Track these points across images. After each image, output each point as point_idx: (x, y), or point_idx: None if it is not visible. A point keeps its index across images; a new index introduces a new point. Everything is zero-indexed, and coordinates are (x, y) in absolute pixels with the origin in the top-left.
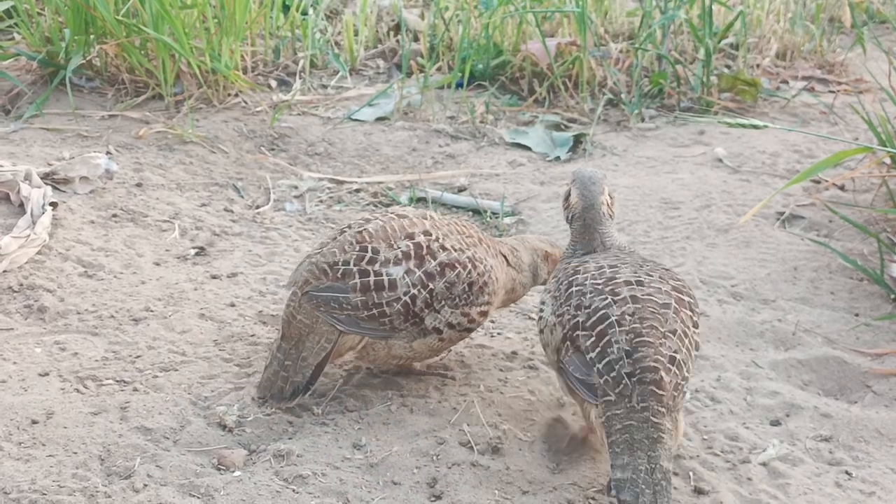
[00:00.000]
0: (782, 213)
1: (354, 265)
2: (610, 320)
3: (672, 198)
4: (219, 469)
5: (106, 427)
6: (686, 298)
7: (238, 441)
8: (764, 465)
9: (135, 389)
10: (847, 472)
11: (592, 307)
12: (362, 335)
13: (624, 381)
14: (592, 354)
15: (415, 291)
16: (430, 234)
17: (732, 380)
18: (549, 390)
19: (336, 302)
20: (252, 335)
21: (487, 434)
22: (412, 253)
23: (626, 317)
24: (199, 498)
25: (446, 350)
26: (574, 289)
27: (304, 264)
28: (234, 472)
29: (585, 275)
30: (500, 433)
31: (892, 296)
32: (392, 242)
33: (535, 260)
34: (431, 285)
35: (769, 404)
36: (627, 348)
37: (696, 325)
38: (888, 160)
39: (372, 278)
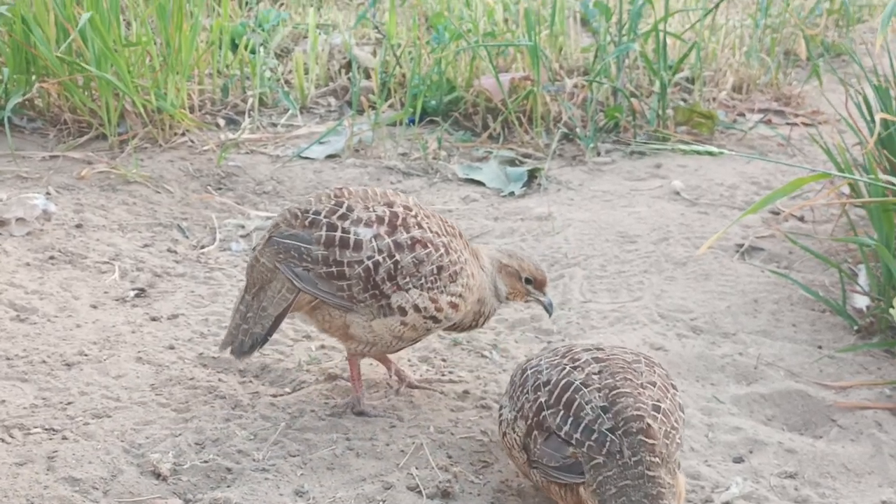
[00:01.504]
0: (741, 245)
1: (325, 217)
2: (575, 384)
3: (629, 231)
4: None
5: (31, 478)
6: (656, 362)
7: (173, 490)
8: None
9: (64, 438)
10: None
11: (553, 381)
12: (316, 297)
13: (609, 438)
14: (566, 427)
15: (379, 258)
16: (410, 210)
17: (693, 416)
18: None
19: (297, 251)
20: (191, 378)
21: (437, 477)
22: (386, 219)
23: (593, 377)
24: None
25: (410, 343)
26: (529, 372)
27: (281, 211)
28: None
29: (538, 358)
30: (451, 476)
31: (855, 327)
32: (369, 205)
33: (493, 271)
34: (398, 256)
35: (732, 440)
36: (603, 404)
37: (674, 388)
38: (847, 189)
39: (338, 234)
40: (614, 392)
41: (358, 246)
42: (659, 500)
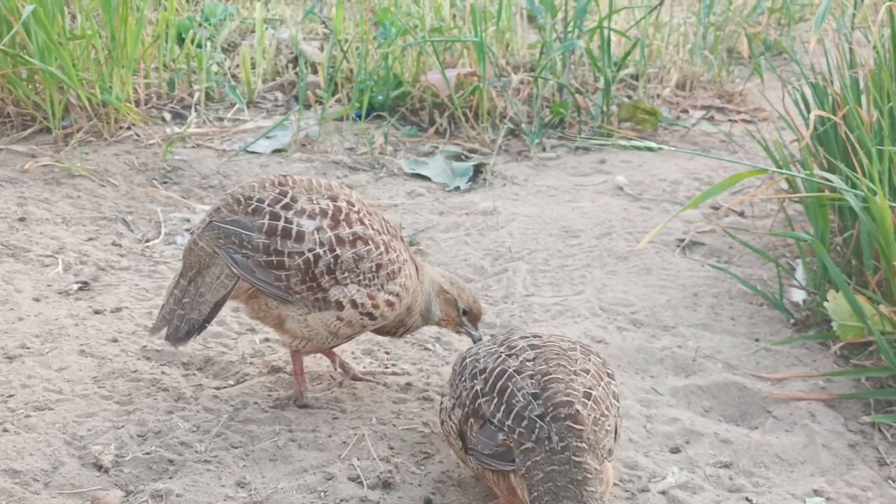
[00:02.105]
0: (682, 240)
1: (269, 205)
2: (508, 372)
3: (572, 226)
4: None
5: None
6: (593, 350)
7: (114, 482)
8: (663, 493)
9: (5, 430)
10: (747, 499)
11: (489, 369)
12: (254, 286)
13: (538, 425)
14: (499, 415)
15: (320, 251)
16: (354, 206)
17: (632, 407)
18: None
19: (237, 237)
20: (134, 371)
21: (378, 468)
22: (330, 213)
23: (527, 363)
24: None
25: (345, 339)
26: (468, 360)
27: (223, 195)
28: None
29: (479, 346)
30: (392, 467)
31: (792, 320)
32: (313, 196)
33: (431, 291)
34: (339, 251)
35: (669, 431)
36: (534, 391)
37: (611, 377)
38: (785, 185)
39: (281, 223)
40: (546, 378)
41: (300, 237)
42: (584, 485)
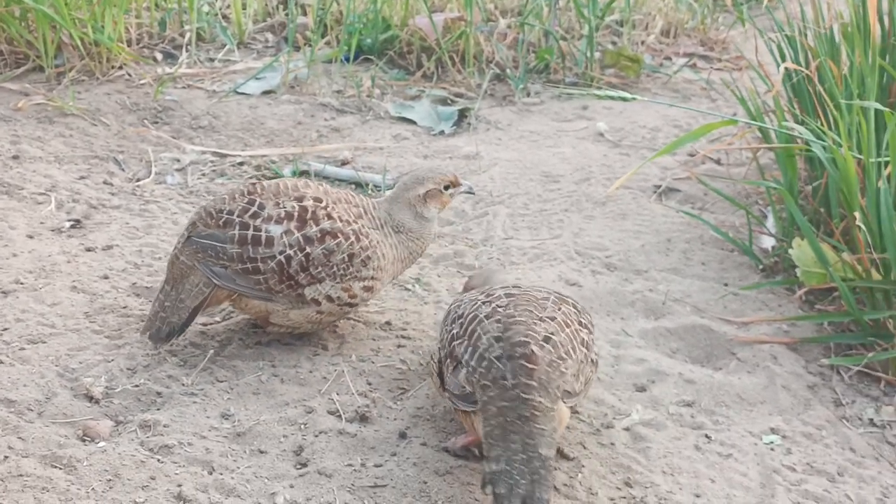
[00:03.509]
0: (659, 187)
1: (238, 216)
2: (479, 317)
3: (553, 171)
4: (83, 440)
5: None
6: (570, 301)
7: (105, 412)
8: (627, 429)
9: (0, 362)
10: (707, 436)
11: (465, 314)
12: (236, 292)
13: (495, 365)
14: (466, 356)
15: (290, 252)
16: (321, 202)
17: (602, 348)
18: (419, 359)
19: (213, 250)
20: (124, 307)
21: (356, 402)
22: (296, 215)
23: (498, 309)
24: (61, 469)
25: (326, 326)
26: (453, 306)
27: (198, 209)
28: (98, 442)
29: (463, 297)
30: (370, 402)
31: (760, 266)
32: (280, 201)
33: (418, 209)
34: (308, 249)
35: (636, 371)
36: (497, 334)
37: (583, 326)
38: (760, 134)
39: (250, 232)
40: (510, 321)
41: (269, 242)
42: (531, 421)
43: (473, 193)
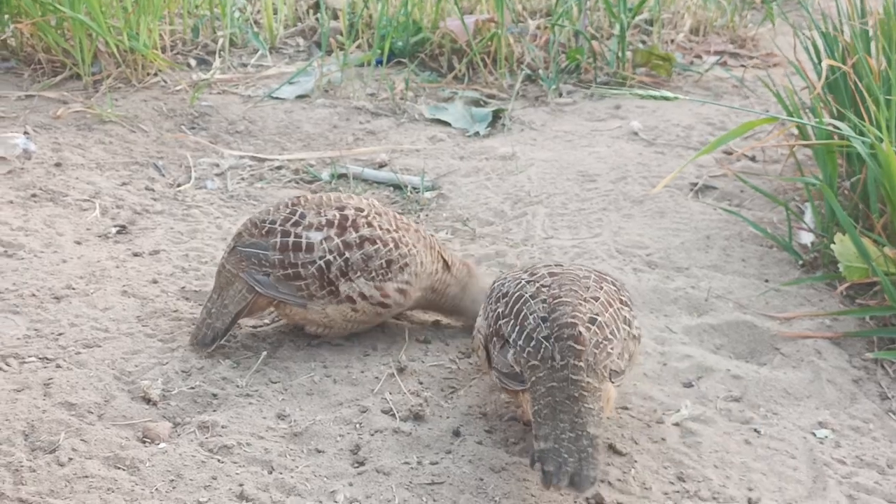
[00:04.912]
0: (696, 184)
1: (279, 225)
2: (525, 297)
3: (589, 170)
4: (144, 442)
5: (29, 403)
6: (609, 278)
7: (163, 414)
8: (677, 424)
9: (58, 366)
10: (756, 430)
11: (510, 293)
12: (279, 300)
13: (544, 345)
14: (514, 335)
15: (330, 257)
16: (362, 211)
17: (647, 345)
18: (467, 360)
19: (256, 258)
20: (175, 311)
21: (409, 402)
22: (336, 222)
23: (543, 289)
24: (124, 470)
25: (365, 326)
26: (496, 285)
27: (244, 220)
28: (159, 444)
29: (507, 273)
30: (422, 401)
31: (800, 262)
32: (321, 210)
33: (478, 285)
34: (348, 254)
35: (682, 367)
36: (544, 315)
37: (624, 304)
38: (796, 131)
39: (291, 239)
40: (556, 301)
41: (310, 248)
42: (580, 401)
43: None
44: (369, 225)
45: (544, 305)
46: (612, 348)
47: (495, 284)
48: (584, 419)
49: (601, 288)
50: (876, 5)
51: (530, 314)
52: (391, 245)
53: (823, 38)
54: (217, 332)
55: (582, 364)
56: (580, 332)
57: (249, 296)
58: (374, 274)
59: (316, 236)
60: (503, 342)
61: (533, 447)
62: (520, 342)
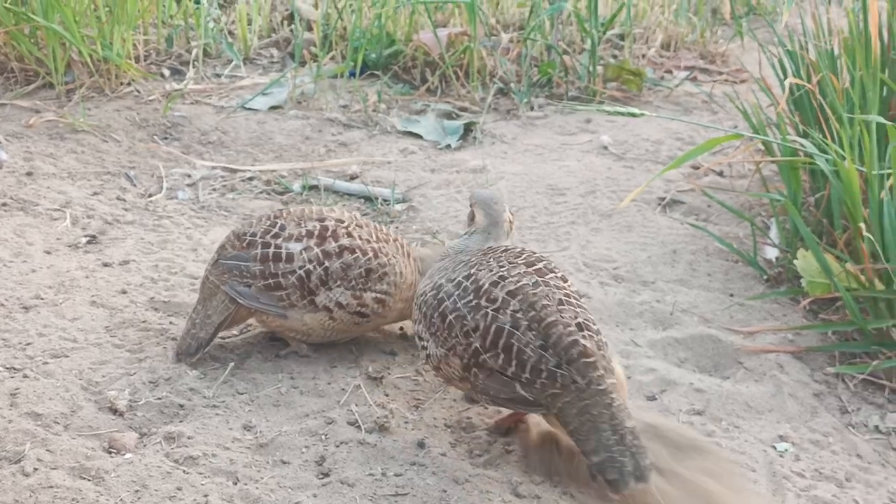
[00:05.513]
0: (663, 199)
1: (260, 237)
2: (506, 329)
3: (558, 184)
4: (110, 452)
5: None
6: (540, 266)
7: (129, 424)
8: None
9: (25, 376)
10: (718, 444)
11: (482, 327)
12: (259, 311)
13: (559, 373)
14: (511, 369)
15: (310, 267)
16: (343, 222)
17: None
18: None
19: (238, 269)
20: (143, 321)
21: (375, 413)
22: (316, 233)
23: (518, 316)
24: (90, 480)
25: (345, 336)
26: (451, 317)
27: (227, 234)
28: (125, 454)
29: (442, 293)
30: (388, 412)
31: (765, 276)
32: (302, 222)
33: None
34: (327, 263)
35: (646, 381)
36: (540, 342)
37: (565, 280)
38: (762, 147)
39: (272, 250)
40: (544, 325)
41: (290, 258)
42: (612, 405)
43: None
44: (349, 235)
45: (533, 334)
46: (596, 330)
47: (448, 316)
48: (619, 418)
49: (550, 286)
50: (841, 24)
51: (525, 346)
52: (370, 254)
53: (789, 56)
54: (201, 343)
55: (601, 371)
56: (585, 346)
57: (232, 306)
58: (353, 283)
59: (296, 247)
60: (489, 372)
61: (587, 462)
62: (525, 375)
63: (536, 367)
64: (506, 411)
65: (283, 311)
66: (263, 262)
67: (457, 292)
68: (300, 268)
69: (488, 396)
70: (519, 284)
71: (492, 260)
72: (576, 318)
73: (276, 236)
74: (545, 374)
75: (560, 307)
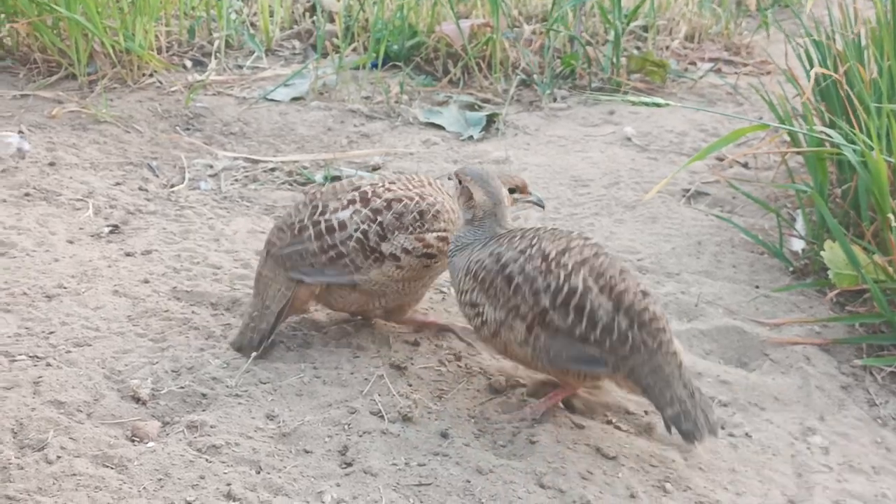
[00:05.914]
0: (688, 190)
1: (308, 220)
2: (580, 290)
3: (582, 175)
4: (132, 440)
5: (18, 401)
6: (583, 238)
7: (152, 413)
8: (668, 428)
9: (48, 364)
10: (747, 435)
11: (553, 287)
12: (328, 283)
13: (630, 334)
14: (581, 329)
15: (365, 227)
16: (378, 184)
17: None
18: (456, 363)
19: (298, 254)
20: (166, 311)
21: (398, 403)
22: (357, 198)
23: (589, 279)
24: (112, 468)
25: (416, 289)
26: (518, 279)
27: (270, 230)
28: (147, 443)
29: (516, 262)
30: (411, 402)
31: (790, 268)
32: (339, 196)
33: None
34: (380, 218)
35: None
36: (611, 305)
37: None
38: (788, 138)
39: (323, 225)
40: (616, 292)
41: (343, 226)
42: (681, 366)
43: (543, 207)
44: (389, 190)
45: (605, 297)
46: (655, 298)
47: (515, 278)
48: (685, 374)
49: (606, 254)
50: (868, 14)
51: (597, 308)
52: (417, 198)
53: (815, 47)
54: (263, 334)
55: (668, 334)
56: (655, 311)
57: (289, 292)
58: (410, 228)
59: (345, 214)
60: (554, 332)
61: (662, 416)
62: (595, 334)
63: (609, 327)
64: (544, 392)
65: (351, 276)
66: (319, 239)
67: (521, 258)
68: (356, 230)
69: (548, 357)
70: (584, 255)
71: (543, 233)
72: (638, 286)
73: (322, 213)
74: (616, 335)
75: (624, 279)
